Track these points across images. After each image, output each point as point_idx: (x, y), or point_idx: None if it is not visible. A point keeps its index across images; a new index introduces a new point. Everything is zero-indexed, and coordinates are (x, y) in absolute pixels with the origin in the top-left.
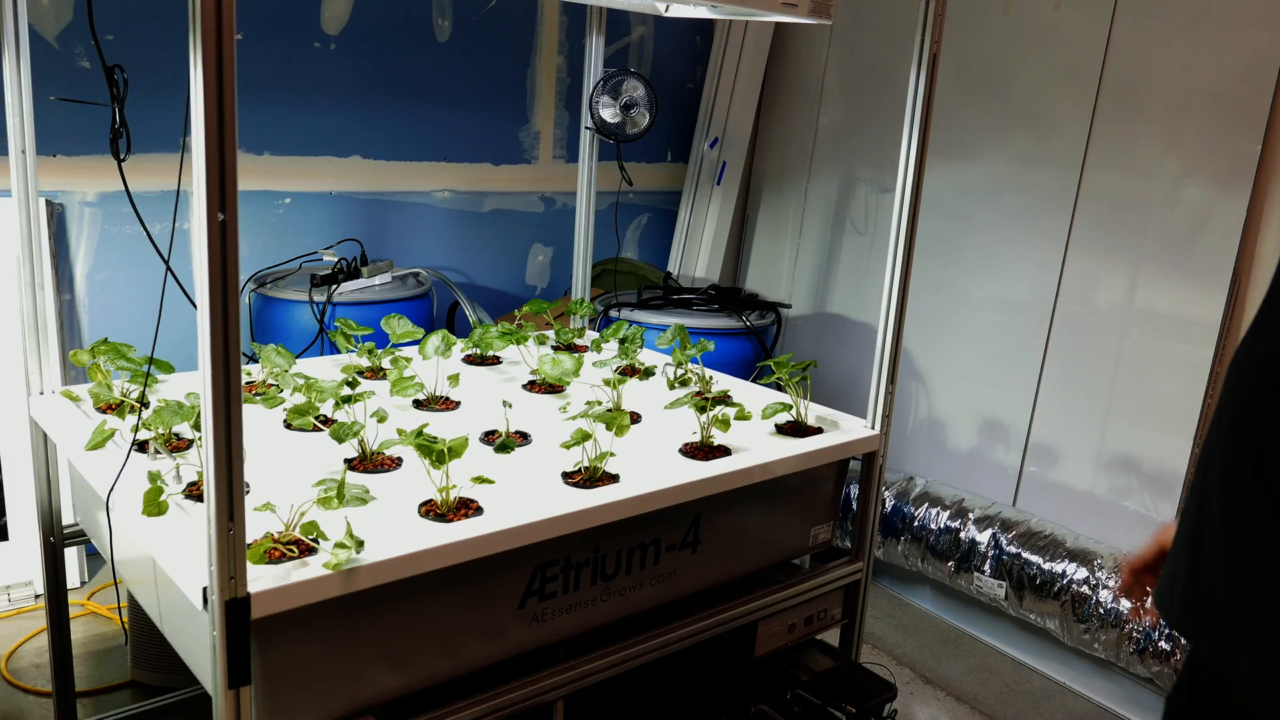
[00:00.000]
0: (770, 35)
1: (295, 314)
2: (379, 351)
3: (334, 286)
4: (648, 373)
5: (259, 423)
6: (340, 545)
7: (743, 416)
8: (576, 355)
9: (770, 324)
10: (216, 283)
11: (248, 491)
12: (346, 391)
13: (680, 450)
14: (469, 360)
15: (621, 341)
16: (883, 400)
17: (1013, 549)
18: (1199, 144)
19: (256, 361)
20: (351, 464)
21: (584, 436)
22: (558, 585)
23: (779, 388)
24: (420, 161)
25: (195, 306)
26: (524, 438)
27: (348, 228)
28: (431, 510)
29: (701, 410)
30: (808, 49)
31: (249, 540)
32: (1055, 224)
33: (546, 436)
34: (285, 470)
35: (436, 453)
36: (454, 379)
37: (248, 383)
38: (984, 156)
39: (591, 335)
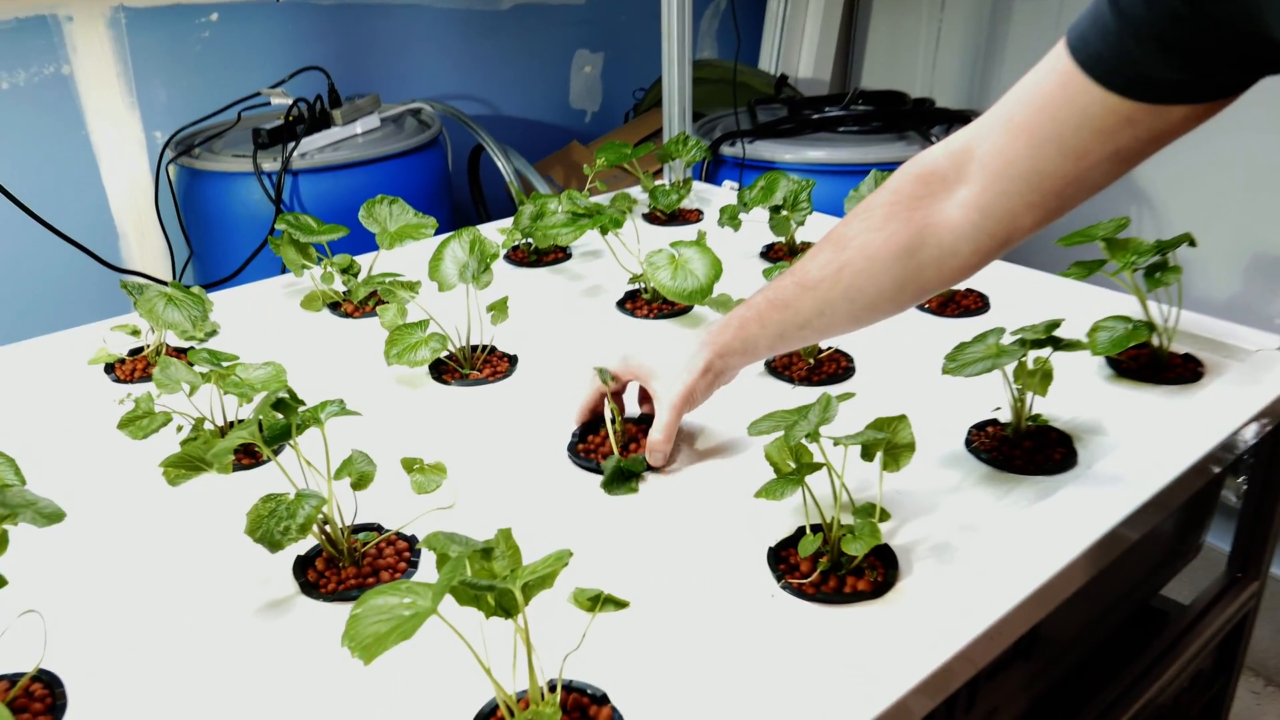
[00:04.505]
0: None
1: (240, 192)
2: (359, 278)
3: (291, 145)
4: None
5: (118, 474)
6: None
7: (1071, 345)
8: (697, 240)
9: None
10: None
11: None
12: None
13: (974, 448)
14: (515, 258)
15: (775, 210)
16: None
17: None
18: None
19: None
20: (308, 583)
21: (806, 465)
22: None
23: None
24: None
25: None
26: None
27: (306, 52)
28: None
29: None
30: None
31: None
32: None
33: (691, 425)
34: (159, 638)
35: (489, 599)
36: (498, 308)
37: (135, 352)
38: None
39: (704, 190)
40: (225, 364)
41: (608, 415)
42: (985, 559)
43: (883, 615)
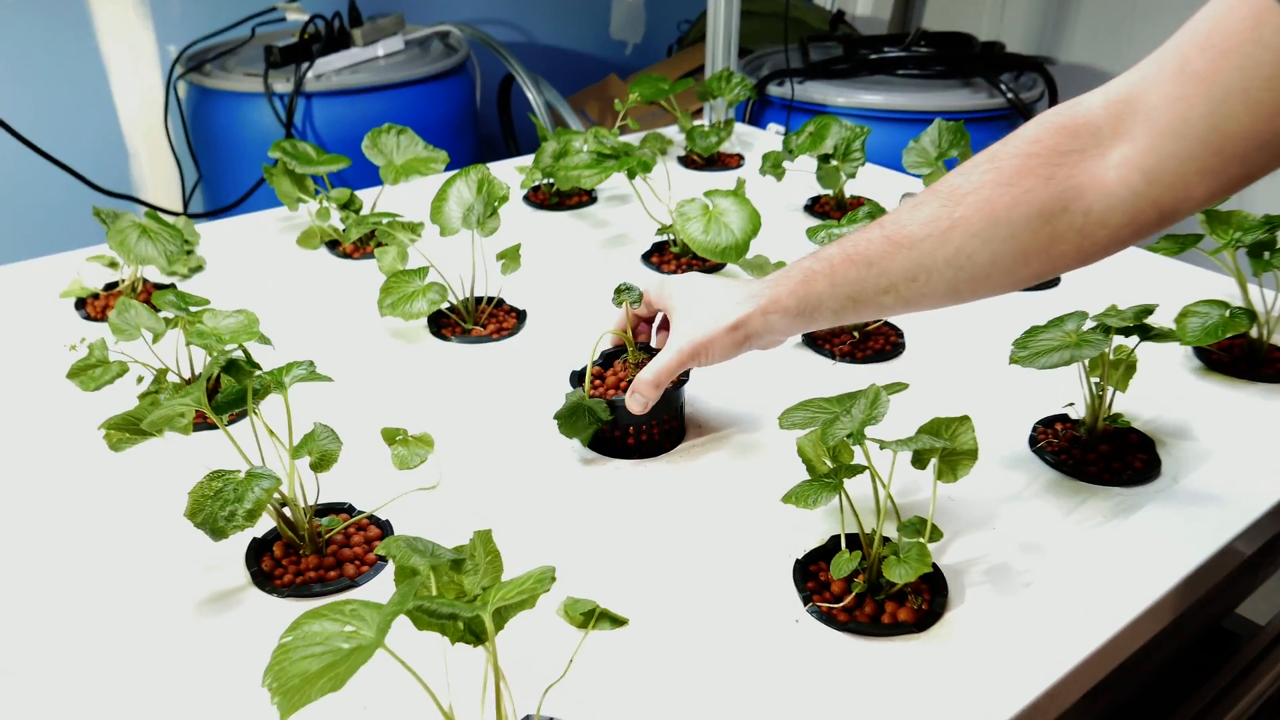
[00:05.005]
0: None
1: (250, 113)
2: (363, 213)
3: (305, 65)
4: None
5: (61, 431)
6: None
7: (1162, 334)
8: (735, 189)
9: (1038, 98)
10: None
11: None
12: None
13: (1039, 448)
14: (535, 200)
15: (824, 159)
16: None
17: None
18: None
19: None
20: (261, 572)
21: (845, 468)
22: None
23: None
24: None
25: None
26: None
27: None
28: None
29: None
30: None
31: None
32: None
33: (713, 403)
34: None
35: (457, 628)
36: (509, 257)
37: (111, 287)
38: None
39: (746, 134)
40: (194, 309)
41: (596, 353)
42: (1051, 588)
43: (927, 653)
